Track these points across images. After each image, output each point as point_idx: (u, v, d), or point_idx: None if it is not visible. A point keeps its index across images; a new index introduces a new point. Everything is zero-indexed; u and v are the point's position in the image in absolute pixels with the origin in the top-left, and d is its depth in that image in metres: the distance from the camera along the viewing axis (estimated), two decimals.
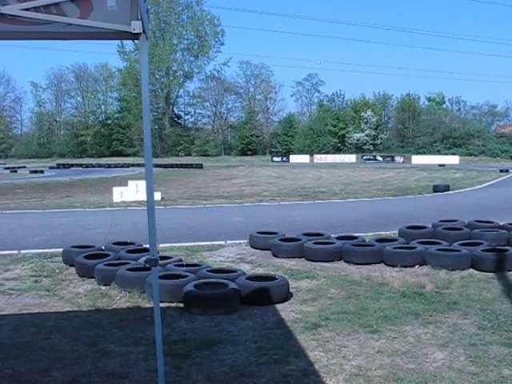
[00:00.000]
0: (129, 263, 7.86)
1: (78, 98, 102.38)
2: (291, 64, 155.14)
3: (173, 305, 6.61)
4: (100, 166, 64.60)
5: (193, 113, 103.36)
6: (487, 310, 6.31)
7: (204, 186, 30.19)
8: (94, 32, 3.73)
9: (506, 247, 9.33)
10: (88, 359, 4.90)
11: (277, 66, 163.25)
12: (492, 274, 8.07)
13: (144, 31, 3.64)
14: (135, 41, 3.79)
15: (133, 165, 61.45)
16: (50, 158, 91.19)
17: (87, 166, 65.19)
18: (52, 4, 3.25)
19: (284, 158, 79.22)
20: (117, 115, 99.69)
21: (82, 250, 8.82)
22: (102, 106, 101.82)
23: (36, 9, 3.22)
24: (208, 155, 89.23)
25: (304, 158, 77.62)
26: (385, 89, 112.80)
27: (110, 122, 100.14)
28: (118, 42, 78.21)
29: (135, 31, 3.58)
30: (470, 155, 75.19)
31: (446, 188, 24.95)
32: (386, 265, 8.72)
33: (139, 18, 3.57)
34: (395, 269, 8.48)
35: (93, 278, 7.79)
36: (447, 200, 21.00)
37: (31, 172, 50.58)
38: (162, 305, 5.93)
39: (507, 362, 4.74)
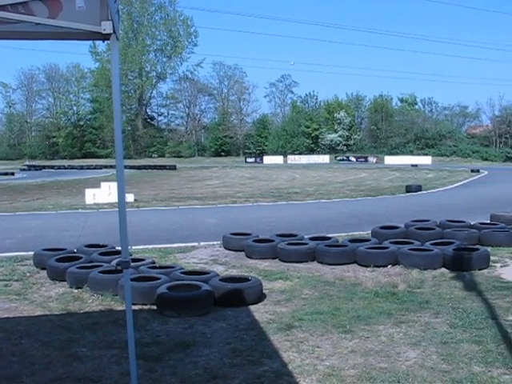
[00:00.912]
0: (101, 266, 7.79)
1: (50, 99, 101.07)
2: (265, 65, 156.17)
3: (146, 307, 6.56)
4: (72, 167, 63.90)
5: (166, 114, 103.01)
6: (458, 308, 6.38)
7: (177, 188, 30.08)
8: (63, 32, 3.69)
9: (477, 246, 9.45)
10: (59, 364, 4.83)
11: (250, 67, 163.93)
12: (463, 272, 8.16)
13: (114, 32, 3.61)
14: (106, 41, 3.76)
15: (106, 166, 60.81)
16: (21, 159, 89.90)
17: (59, 167, 64.48)
18: (19, 3, 3.20)
19: (258, 159, 79.25)
20: (89, 116, 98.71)
21: (53, 253, 8.71)
22: (74, 107, 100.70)
23: (3, 7, 3.17)
24: (181, 156, 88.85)
25: (278, 159, 77.77)
26: (358, 90, 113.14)
27: (82, 123, 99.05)
28: (90, 42, 77.57)
29: (105, 32, 3.55)
30: (442, 155, 76.07)
31: (419, 188, 25.22)
32: (359, 265, 8.77)
33: (109, 18, 3.54)
34: (368, 269, 8.52)
35: (64, 281, 7.70)
36: (419, 200, 21.22)
37: (1, 174, 49.82)
38: (134, 307, 5.90)
39: (477, 360, 4.79)
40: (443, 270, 8.39)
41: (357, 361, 4.84)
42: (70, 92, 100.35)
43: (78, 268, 7.72)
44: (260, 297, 6.90)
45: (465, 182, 32.72)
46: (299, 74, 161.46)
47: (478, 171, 42.64)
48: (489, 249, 9.27)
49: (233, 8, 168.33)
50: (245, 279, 7.09)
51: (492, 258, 8.85)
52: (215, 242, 11.03)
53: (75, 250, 9.30)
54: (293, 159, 78.06)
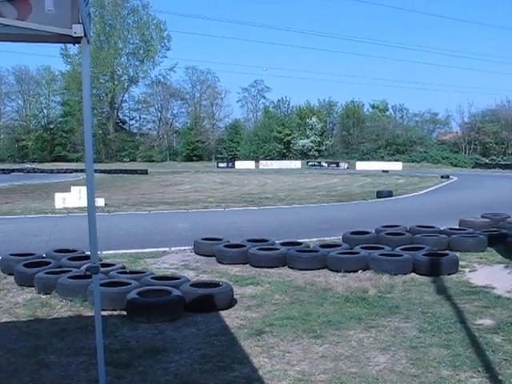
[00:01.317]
0: (70, 271, 7.70)
1: (19, 102, 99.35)
2: (237, 70, 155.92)
3: (115, 313, 6.50)
4: (42, 171, 63.09)
5: (138, 118, 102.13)
6: (428, 313, 6.45)
7: (149, 192, 29.91)
8: (33, 34, 3.66)
9: (446, 251, 9.56)
10: (26, 371, 4.74)
11: (223, 71, 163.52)
12: (433, 277, 8.25)
13: (85, 35, 3.58)
14: (77, 45, 3.73)
15: (76, 170, 60.19)
16: None
17: (28, 171, 63.60)
18: None
19: (229, 164, 79.10)
20: (60, 119, 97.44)
21: (21, 258, 8.58)
22: (45, 110, 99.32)
23: None
24: (153, 161, 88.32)
25: (249, 164, 77.70)
26: (330, 96, 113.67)
27: (52, 126, 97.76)
28: (61, 44, 76.69)
29: (76, 35, 3.53)
30: (413, 161, 76.79)
31: (389, 194, 25.42)
32: (330, 270, 8.80)
33: (80, 21, 3.51)
34: (339, 274, 8.56)
35: (33, 286, 7.59)
36: (390, 205, 21.40)
37: None
38: (104, 313, 5.83)
39: (446, 363, 4.85)
40: (413, 275, 8.47)
41: (327, 366, 4.85)
42: (41, 95, 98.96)
43: (46, 273, 7.62)
44: (231, 302, 6.89)
45: (435, 187, 33.09)
46: (272, 79, 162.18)
47: (447, 177, 43.17)
48: (458, 254, 9.39)
49: (206, 13, 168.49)
50: (215, 284, 7.08)
51: (461, 263, 8.96)
52: (186, 247, 10.98)
53: (44, 255, 9.18)
54: (265, 164, 78.10)
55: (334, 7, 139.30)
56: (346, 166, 72.41)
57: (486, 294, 7.38)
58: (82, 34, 3.53)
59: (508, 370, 4.73)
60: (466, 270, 8.83)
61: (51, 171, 62.28)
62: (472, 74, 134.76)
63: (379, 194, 25.15)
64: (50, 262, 8.36)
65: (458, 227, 12.47)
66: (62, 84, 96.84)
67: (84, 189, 19.91)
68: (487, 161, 73.70)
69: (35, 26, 3.37)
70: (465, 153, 79.98)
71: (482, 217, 14.06)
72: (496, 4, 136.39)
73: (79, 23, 3.51)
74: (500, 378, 4.58)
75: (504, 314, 6.42)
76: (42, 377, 4.62)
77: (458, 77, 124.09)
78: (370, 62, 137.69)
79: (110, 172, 58.08)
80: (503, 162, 69.28)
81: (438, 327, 5.89)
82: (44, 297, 7.23)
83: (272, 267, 9.04)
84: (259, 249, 9.48)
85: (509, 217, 13.91)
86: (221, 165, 79.74)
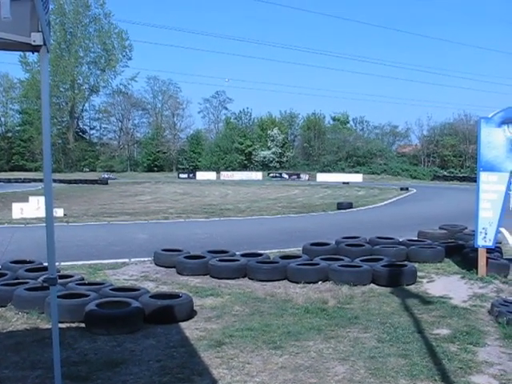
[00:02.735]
0: (27, 283, 7.56)
1: None
2: (199, 81, 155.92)
3: (74, 325, 6.40)
4: None
5: (98, 127, 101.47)
6: (386, 323, 6.53)
7: (109, 203, 29.56)
8: None
9: (405, 262, 9.69)
10: None
11: (185, 82, 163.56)
12: (392, 288, 8.35)
13: (45, 43, 3.54)
14: (36, 53, 3.69)
15: (35, 180, 59.12)
16: None
17: None
18: None
19: (190, 175, 78.79)
20: (18, 128, 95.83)
21: None
22: (2, 118, 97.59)
23: None
24: (113, 171, 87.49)
25: (211, 175, 77.55)
26: (291, 107, 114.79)
27: (10, 135, 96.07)
28: (20, 52, 75.38)
29: (35, 43, 3.49)
30: (373, 173, 77.79)
31: (350, 205, 25.65)
32: (290, 281, 8.83)
33: (40, 29, 3.48)
34: (299, 285, 8.60)
35: None
36: (350, 217, 21.59)
37: None
38: (62, 325, 5.75)
39: (404, 373, 4.92)
40: (372, 285, 8.57)
41: (287, 376, 4.86)
42: None
43: (2, 285, 7.46)
44: (191, 313, 6.86)
45: (394, 199, 33.50)
46: (233, 90, 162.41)
47: (407, 189, 43.75)
48: (416, 265, 9.54)
49: (168, 23, 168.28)
50: (175, 296, 7.04)
51: (419, 273, 9.10)
52: (146, 259, 10.88)
53: (0, 267, 9.00)
54: (226, 175, 78.03)
55: (296, 20, 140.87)
56: (307, 177, 72.89)
57: (442, 304, 7.52)
58: (42, 43, 3.50)
59: (463, 377, 4.83)
60: (424, 280, 8.97)
61: (9, 180, 61.03)
62: (431, 88, 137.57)
63: (339, 206, 25.35)
64: (5, 274, 8.20)
65: (416, 238, 12.67)
66: (20, 92, 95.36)
67: (42, 199, 19.60)
68: (445, 173, 75.10)
69: None
70: (424, 165, 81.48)
71: (440, 228, 14.32)
72: (454, 19, 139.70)
73: (38, 31, 3.48)
74: None
75: (460, 323, 6.55)
76: None
77: (417, 90, 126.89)
78: (332, 74, 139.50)
79: (69, 182, 57.30)
80: (461, 175, 70.64)
81: (396, 337, 5.96)
82: None
83: (232, 278, 9.04)
84: (219, 260, 9.46)
85: (466, 228, 14.19)
86: (182, 175, 79.42)
